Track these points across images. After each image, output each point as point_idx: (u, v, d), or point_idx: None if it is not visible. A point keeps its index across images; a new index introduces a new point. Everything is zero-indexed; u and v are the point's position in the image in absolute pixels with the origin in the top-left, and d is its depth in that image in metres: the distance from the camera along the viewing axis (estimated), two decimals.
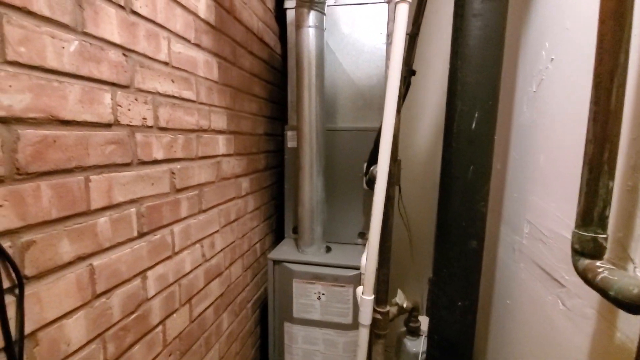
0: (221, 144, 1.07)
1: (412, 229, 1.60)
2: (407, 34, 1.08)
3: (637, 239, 0.48)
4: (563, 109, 0.69)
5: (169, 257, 0.84)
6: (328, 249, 1.35)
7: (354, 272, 1.19)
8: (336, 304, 1.23)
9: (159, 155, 0.78)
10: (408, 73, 1.00)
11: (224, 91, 1.07)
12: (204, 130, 0.97)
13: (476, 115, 0.78)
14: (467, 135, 0.79)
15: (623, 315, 0.50)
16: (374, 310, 0.99)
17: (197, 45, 0.92)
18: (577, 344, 0.60)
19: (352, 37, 1.36)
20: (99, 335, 0.65)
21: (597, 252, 0.48)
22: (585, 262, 0.48)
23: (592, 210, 0.48)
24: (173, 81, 0.82)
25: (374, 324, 1.01)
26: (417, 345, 1.09)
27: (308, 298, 1.25)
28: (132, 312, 0.73)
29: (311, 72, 1.21)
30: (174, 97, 0.83)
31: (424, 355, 0.99)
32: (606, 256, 0.52)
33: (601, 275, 0.45)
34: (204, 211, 1.00)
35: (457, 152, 0.81)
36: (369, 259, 0.84)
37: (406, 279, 1.69)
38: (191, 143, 0.91)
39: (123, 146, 0.68)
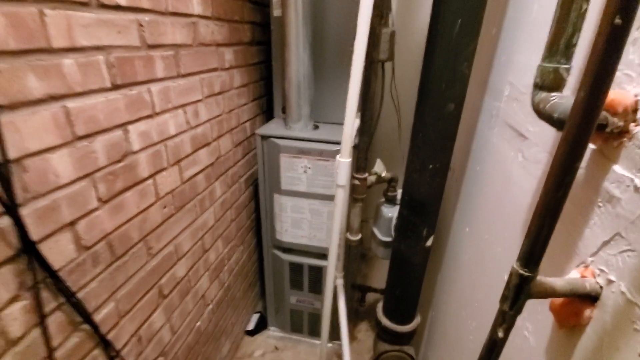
0: (195, 2, 0.99)
1: (404, 111, 1.59)
2: None
3: None
4: None
5: (149, 116, 0.86)
6: (316, 127, 1.37)
7: (339, 146, 1.23)
8: (321, 177, 1.30)
9: (121, 0, 0.73)
10: None
11: None
12: None
13: None
14: None
15: None
16: (353, 177, 1.05)
17: None
18: (525, 188, 0.65)
19: None
20: (88, 175, 0.70)
21: (555, 83, 0.47)
22: (542, 94, 0.48)
23: (559, 37, 0.45)
24: None
25: (353, 189, 1.08)
26: (393, 212, 1.19)
27: (295, 171, 1.32)
28: (118, 161, 0.78)
29: None
30: None
31: (398, 213, 1.08)
32: (572, 88, 0.51)
33: (552, 102, 0.45)
34: (183, 76, 0.97)
35: (444, 4, 0.74)
36: (345, 124, 0.85)
37: (393, 157, 1.75)
38: None
39: None
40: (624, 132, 0.40)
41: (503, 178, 0.76)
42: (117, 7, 0.72)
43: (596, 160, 0.44)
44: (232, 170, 1.37)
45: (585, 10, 0.43)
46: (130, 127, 0.80)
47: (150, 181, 0.89)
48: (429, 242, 1.00)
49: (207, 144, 1.16)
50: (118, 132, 0.77)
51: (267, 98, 1.63)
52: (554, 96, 0.46)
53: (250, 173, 1.56)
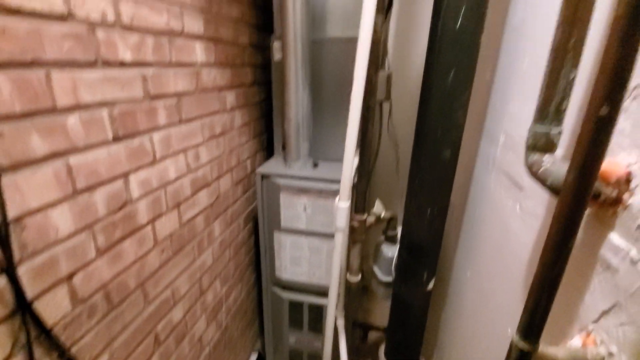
0: (199, 52, 1.02)
1: (403, 147, 1.61)
2: None
3: None
4: (553, 3, 0.63)
5: (150, 163, 0.87)
6: (315, 165, 1.38)
7: (338, 185, 1.23)
8: (320, 215, 1.29)
9: (126, 57, 0.76)
10: None
11: None
12: (177, 34, 0.92)
13: (462, 10, 0.72)
14: (451, 34, 0.74)
15: None
16: (352, 218, 1.05)
17: None
18: (524, 241, 0.64)
19: None
20: (87, 227, 0.71)
21: (548, 146, 0.48)
22: (535, 156, 0.49)
23: (549, 103, 0.46)
24: None
25: (352, 230, 1.08)
26: (393, 251, 1.17)
27: (294, 210, 1.32)
28: (118, 210, 0.78)
29: None
30: None
31: (397, 255, 1.07)
32: (563, 151, 0.52)
33: (544, 167, 0.45)
34: (185, 122, 1.00)
35: (439, 56, 0.77)
36: (344, 169, 0.86)
37: (392, 196, 1.75)
38: (163, 47, 0.87)
39: (83, 43, 0.66)
40: (618, 201, 0.40)
41: (502, 227, 0.76)
42: (122, 64, 0.75)
43: (593, 225, 0.44)
44: (231, 209, 1.37)
45: (574, 78, 0.45)
46: (131, 176, 0.81)
47: (149, 227, 0.89)
48: (430, 286, 0.98)
49: (207, 185, 1.16)
50: (118, 183, 0.77)
51: (267, 134, 1.66)
52: (546, 160, 0.46)
53: (250, 209, 1.56)
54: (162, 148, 0.91)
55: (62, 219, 0.65)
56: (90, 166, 0.70)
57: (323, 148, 1.43)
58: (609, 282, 0.41)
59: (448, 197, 0.90)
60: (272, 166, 1.37)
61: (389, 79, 1.22)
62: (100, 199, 0.73)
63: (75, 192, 0.67)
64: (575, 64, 0.44)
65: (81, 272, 0.70)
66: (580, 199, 0.31)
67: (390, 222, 1.17)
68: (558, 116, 0.47)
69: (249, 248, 1.60)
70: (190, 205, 1.07)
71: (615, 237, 0.40)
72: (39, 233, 0.61)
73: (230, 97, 1.25)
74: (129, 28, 0.75)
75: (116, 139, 0.75)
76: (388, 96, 1.28)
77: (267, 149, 1.68)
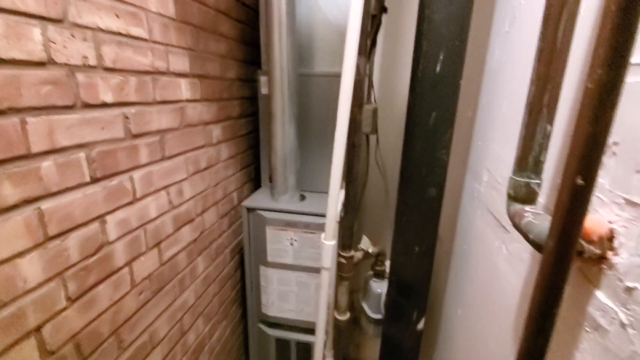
0: (184, 88, 1.02)
1: (390, 177, 1.61)
2: None
3: None
4: (528, 50, 0.65)
5: (130, 203, 0.85)
6: (302, 198, 1.37)
7: (325, 219, 1.22)
8: (308, 249, 1.27)
9: (107, 97, 0.75)
10: (379, 10, 0.93)
11: (183, 29, 1.00)
12: (162, 73, 0.92)
13: (441, 56, 0.73)
14: (431, 78, 0.76)
15: None
16: (339, 255, 1.03)
17: None
18: (512, 284, 0.63)
19: None
20: (58, 274, 0.67)
21: (529, 197, 0.48)
22: (516, 206, 0.49)
23: (528, 155, 0.47)
24: (117, 16, 0.76)
25: (339, 267, 1.05)
26: (382, 287, 1.15)
27: (281, 244, 1.29)
28: (92, 254, 0.75)
29: (281, 9, 1.12)
30: (120, 34, 0.77)
31: (386, 294, 1.04)
32: (543, 202, 0.52)
33: (526, 219, 0.45)
34: (168, 158, 0.98)
35: (420, 97, 0.78)
36: (329, 208, 0.85)
37: (381, 226, 1.74)
38: (146, 86, 0.87)
39: (62, 87, 0.65)
40: (602, 259, 0.39)
41: (490, 266, 0.75)
42: (103, 105, 0.74)
43: (578, 279, 0.43)
44: (217, 243, 1.34)
45: (550, 131, 0.45)
46: (108, 218, 0.78)
47: (125, 269, 0.85)
48: (421, 325, 0.95)
49: (191, 221, 1.13)
50: (94, 225, 0.74)
51: (255, 165, 1.65)
52: (528, 212, 0.46)
53: (237, 242, 1.52)
54: (143, 186, 0.89)
55: (31, 268, 0.61)
56: (64, 210, 0.67)
57: (310, 180, 1.43)
58: (599, 344, 0.40)
59: (435, 235, 0.89)
60: (259, 199, 1.35)
61: (374, 112, 1.24)
62: (73, 244, 0.70)
63: (47, 239, 0.64)
64: (550, 119, 0.44)
65: (50, 323, 0.66)
66: (561, 268, 0.30)
67: (379, 257, 1.15)
68: (537, 167, 0.47)
69: (235, 282, 1.55)
70: (171, 243, 1.03)
71: (602, 296, 0.39)
72: (6, 285, 0.57)
73: (216, 131, 1.25)
74: (111, 70, 0.75)
75: (93, 180, 0.73)
76: (375, 129, 1.29)
77: (255, 179, 1.66)
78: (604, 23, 0.24)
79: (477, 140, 0.91)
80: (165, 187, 0.98)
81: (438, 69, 0.74)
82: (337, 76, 1.28)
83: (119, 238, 0.82)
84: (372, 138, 1.48)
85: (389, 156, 1.57)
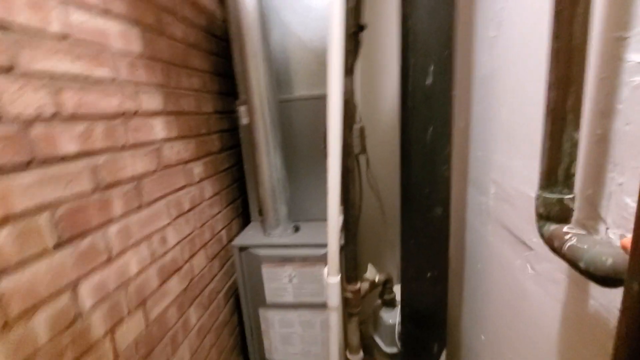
0: (159, 128, 0.95)
1: (385, 196, 1.55)
2: None
3: (608, 196, 0.42)
4: (524, 53, 0.61)
5: (105, 263, 0.75)
6: (296, 229, 1.29)
7: (324, 249, 1.14)
8: (309, 284, 1.18)
9: (71, 148, 0.67)
10: (357, 29, 0.89)
11: (153, 66, 0.94)
12: (133, 114, 0.84)
13: (431, 68, 0.69)
14: (422, 92, 0.71)
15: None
16: (344, 289, 0.95)
17: (107, 13, 0.78)
18: (547, 310, 0.57)
19: None
20: None
21: (564, 215, 0.42)
22: (551, 227, 0.43)
23: (556, 168, 0.41)
24: (78, 58, 0.69)
25: (346, 303, 0.97)
26: (394, 316, 1.06)
27: (279, 282, 1.19)
28: (65, 329, 0.64)
29: (254, 37, 1.08)
30: (82, 78, 0.70)
31: (400, 327, 0.96)
32: (575, 216, 0.46)
33: (569, 243, 0.39)
34: (147, 205, 0.89)
35: (413, 112, 0.73)
36: (329, 240, 0.78)
37: (381, 249, 1.66)
38: (116, 130, 0.79)
39: (15, 144, 0.56)
40: None
41: (514, 288, 0.68)
42: (65, 159, 0.65)
43: None
44: (208, 288, 1.23)
45: (578, 140, 0.40)
46: (81, 284, 0.68)
47: (106, 339, 0.74)
48: (443, 358, 0.87)
49: (178, 269, 1.03)
50: (64, 296, 0.64)
51: (242, 199, 1.56)
52: (569, 234, 0.40)
53: (230, 284, 1.41)
54: (120, 241, 0.79)
55: None
56: (26, 286, 0.57)
57: (303, 208, 1.35)
58: None
59: (447, 257, 0.82)
60: (250, 236, 1.26)
61: (362, 132, 1.19)
62: (40, 323, 0.59)
63: (7, 326, 0.54)
64: (576, 126, 0.39)
65: None
66: None
67: (386, 284, 1.07)
68: (568, 181, 0.41)
69: (232, 328, 1.43)
70: (158, 299, 0.93)
71: None
72: None
73: (197, 169, 1.17)
74: (73, 118, 0.67)
75: (60, 244, 0.64)
76: (364, 149, 1.24)
77: (243, 214, 1.57)
78: None
79: (475, 151, 0.87)
80: (146, 238, 0.88)
81: (429, 81, 0.70)
82: (319, 98, 1.24)
83: (95, 305, 0.71)
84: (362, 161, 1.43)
85: (380, 175, 1.52)
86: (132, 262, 0.83)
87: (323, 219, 1.35)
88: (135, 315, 0.83)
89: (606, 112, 0.42)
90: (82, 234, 0.69)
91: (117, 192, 0.79)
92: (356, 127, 1.12)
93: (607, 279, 0.33)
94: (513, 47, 0.65)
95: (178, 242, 1.04)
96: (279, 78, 1.28)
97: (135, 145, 0.85)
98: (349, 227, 0.95)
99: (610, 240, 0.41)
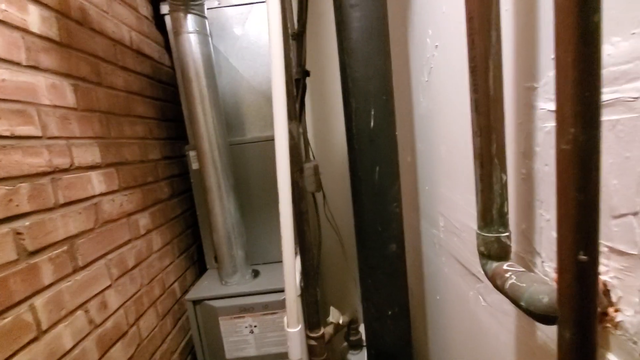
0: (96, 182, 0.88)
1: (345, 231, 1.55)
2: (292, 33, 1.00)
3: (539, 231, 0.44)
4: (451, 97, 0.66)
5: (33, 340, 0.65)
6: (256, 274, 1.23)
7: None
8: (271, 333, 1.11)
9: None
10: (302, 74, 0.92)
11: (89, 118, 0.88)
12: (64, 170, 0.78)
13: (372, 112, 0.72)
14: (367, 134, 0.74)
15: None
16: (307, 337, 0.90)
17: (34, 68, 0.73)
18: (503, 341, 0.57)
19: (245, 40, 1.25)
20: None
21: (503, 252, 0.44)
22: (493, 265, 0.44)
23: (490, 208, 0.43)
24: None
25: (311, 351, 0.92)
26: (362, 358, 1.03)
27: (239, 334, 1.12)
28: None
29: (200, 83, 1.07)
30: (2, 136, 0.64)
31: None
32: (514, 249, 0.49)
33: (510, 281, 0.40)
34: (82, 268, 0.81)
35: (360, 154, 0.75)
36: (287, 289, 0.74)
37: (346, 285, 1.64)
38: (44, 190, 0.72)
39: None
40: (604, 316, 0.35)
41: (471, 320, 0.69)
42: None
43: None
44: (160, 350, 1.11)
45: (506, 180, 0.43)
46: None
47: None
48: None
49: (123, 335, 0.93)
50: None
51: (197, 245, 1.48)
52: (509, 272, 0.41)
53: (186, 341, 1.30)
54: (49, 313, 0.70)
55: None
56: None
57: (262, 251, 1.30)
58: None
59: (406, 293, 0.82)
60: (205, 287, 1.18)
61: (316, 169, 1.20)
62: None
63: None
64: (503, 169, 0.42)
65: None
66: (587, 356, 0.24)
67: (351, 325, 1.04)
68: (502, 219, 0.43)
69: None
70: None
71: None
72: None
73: (143, 220, 1.09)
74: None
75: None
76: (319, 186, 1.24)
77: (199, 262, 1.48)
78: (564, 73, 0.21)
79: (424, 185, 0.90)
80: (81, 305, 0.79)
81: (372, 124, 0.73)
82: (272, 140, 1.24)
83: None
84: (318, 196, 1.43)
85: (338, 210, 1.52)
86: (65, 335, 0.73)
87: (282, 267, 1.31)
88: None
89: (527, 153, 0.45)
90: (4, 310, 0.60)
91: (46, 258, 0.71)
92: (309, 165, 1.13)
93: (546, 317, 0.34)
94: (444, 91, 0.70)
95: (121, 305, 0.94)
96: (230, 121, 1.27)
97: (68, 204, 0.78)
98: (308, 271, 0.92)
99: (547, 276, 0.43)
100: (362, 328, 1.08)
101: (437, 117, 0.75)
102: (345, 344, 1.08)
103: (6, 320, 0.61)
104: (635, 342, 0.32)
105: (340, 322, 1.00)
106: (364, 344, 1.07)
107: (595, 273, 0.23)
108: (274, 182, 1.25)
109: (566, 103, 0.21)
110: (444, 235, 0.80)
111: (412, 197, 0.99)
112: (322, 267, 1.59)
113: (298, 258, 0.98)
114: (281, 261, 1.29)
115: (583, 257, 0.23)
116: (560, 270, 0.24)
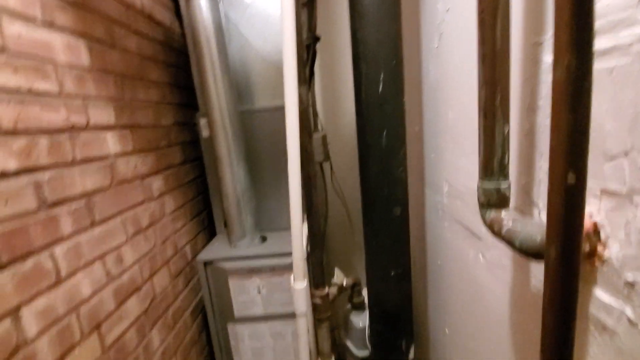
0: (111, 142, 0.91)
1: (351, 201, 1.58)
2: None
3: (538, 183, 0.46)
4: (463, 62, 0.66)
5: (53, 286, 0.70)
6: (263, 239, 1.27)
7: (291, 258, 1.13)
8: (278, 294, 1.16)
9: (10, 165, 0.63)
10: (312, 40, 0.92)
11: (104, 79, 0.91)
12: (81, 128, 0.81)
13: (382, 77, 0.73)
14: (375, 99, 0.75)
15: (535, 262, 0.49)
16: (312, 295, 0.95)
17: (50, 25, 0.75)
18: (497, 294, 0.60)
19: (255, 7, 1.24)
20: None
21: (501, 201, 0.45)
22: (491, 213, 0.46)
23: (492, 159, 0.45)
24: (16, 71, 0.66)
25: (315, 309, 0.96)
26: (363, 319, 1.07)
27: (247, 294, 1.17)
28: (6, 359, 0.59)
29: (211, 50, 1.08)
30: (20, 91, 0.66)
31: (369, 329, 0.97)
32: (512, 204, 0.50)
33: (506, 227, 0.42)
34: (100, 223, 0.85)
35: (368, 118, 0.77)
36: (294, 246, 0.78)
37: (350, 253, 1.68)
38: (62, 145, 0.75)
39: None
40: (593, 254, 0.37)
41: (469, 279, 0.72)
42: (4, 175, 0.61)
43: None
44: (173, 308, 1.17)
45: (508, 132, 0.44)
46: (24, 310, 0.63)
47: None
48: (412, 355, 0.88)
49: (137, 289, 0.98)
50: (4, 323, 0.59)
51: (208, 211, 1.53)
52: (506, 218, 0.43)
53: (197, 301, 1.36)
54: (69, 262, 0.74)
55: None
56: None
57: (270, 219, 1.34)
58: (611, 347, 0.36)
59: (409, 255, 0.85)
60: (216, 249, 1.23)
61: (324, 139, 1.22)
62: None
63: None
64: (506, 120, 0.43)
65: None
66: (571, 276, 0.26)
67: (355, 287, 1.08)
68: (503, 170, 0.45)
69: (201, 347, 1.37)
70: (115, 322, 0.87)
71: (601, 294, 0.36)
72: None
73: (157, 183, 1.13)
74: (12, 132, 0.63)
75: None
76: (327, 157, 1.27)
77: (209, 227, 1.53)
78: (562, 7, 0.22)
79: (429, 154, 0.91)
80: (99, 257, 0.84)
81: (381, 89, 0.74)
82: (281, 109, 1.25)
83: (41, 332, 0.66)
84: (326, 166, 1.45)
85: (345, 181, 1.54)
86: (83, 284, 0.78)
87: (290, 228, 1.35)
88: (88, 341, 0.78)
89: (531, 108, 0.46)
90: (24, 256, 0.64)
91: (65, 210, 0.75)
92: (317, 135, 1.14)
93: (538, 254, 0.36)
94: (453, 56, 0.70)
95: (136, 261, 0.99)
96: (240, 90, 1.28)
97: (85, 161, 0.82)
98: (314, 233, 0.96)
99: (541, 221, 0.45)
100: (364, 291, 1.12)
101: (446, 83, 0.76)
102: (349, 305, 1.13)
103: (26, 265, 0.65)
104: (619, 275, 0.34)
105: (344, 283, 1.04)
106: (366, 306, 1.11)
107: (582, 197, 0.25)
108: (282, 151, 1.28)
109: (562, 32, 0.22)
110: (447, 201, 0.81)
111: (418, 167, 1.00)
112: (329, 235, 1.63)
113: (305, 223, 1.01)
114: (288, 229, 1.33)
115: (572, 181, 0.24)
116: (550, 193, 0.26)
